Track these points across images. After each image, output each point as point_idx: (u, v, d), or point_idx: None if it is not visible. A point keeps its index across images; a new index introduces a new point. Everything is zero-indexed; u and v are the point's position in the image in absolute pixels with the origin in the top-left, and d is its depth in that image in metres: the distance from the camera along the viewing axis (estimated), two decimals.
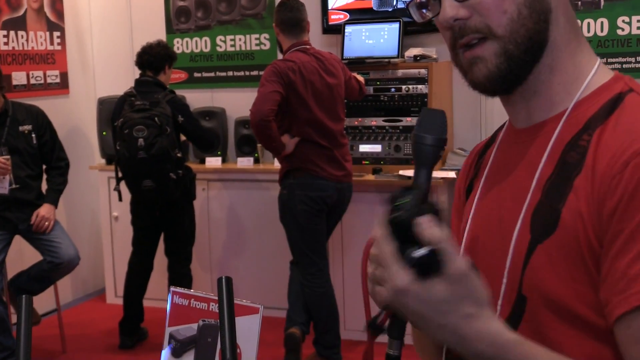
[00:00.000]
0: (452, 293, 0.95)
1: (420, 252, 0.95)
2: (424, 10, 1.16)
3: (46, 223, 4.64)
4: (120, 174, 4.76)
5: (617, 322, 0.98)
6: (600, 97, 1.10)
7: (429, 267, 0.96)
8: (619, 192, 0.98)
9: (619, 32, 4.81)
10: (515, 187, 1.14)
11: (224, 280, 1.31)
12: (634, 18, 4.76)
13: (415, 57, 4.99)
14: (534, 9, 1.08)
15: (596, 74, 1.12)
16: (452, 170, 4.85)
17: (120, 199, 4.90)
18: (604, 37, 4.82)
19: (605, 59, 4.81)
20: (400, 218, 0.98)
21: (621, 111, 1.06)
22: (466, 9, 1.09)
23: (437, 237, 0.94)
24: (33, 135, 4.68)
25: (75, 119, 6.06)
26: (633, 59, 4.79)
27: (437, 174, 4.62)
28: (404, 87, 4.98)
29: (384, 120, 5.05)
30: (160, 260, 5.04)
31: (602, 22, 4.83)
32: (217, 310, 1.28)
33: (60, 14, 5.94)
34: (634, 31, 4.77)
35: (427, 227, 0.94)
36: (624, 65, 4.79)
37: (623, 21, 4.79)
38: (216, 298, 1.35)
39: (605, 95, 1.09)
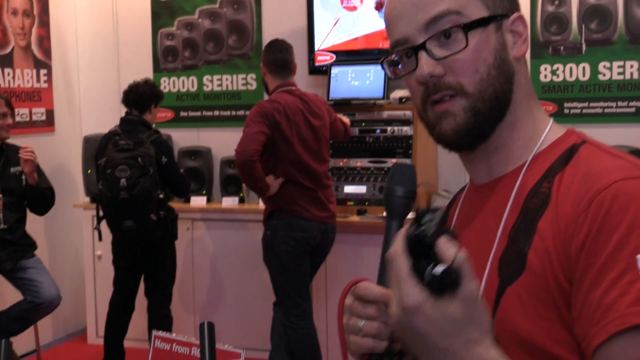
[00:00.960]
0: (463, 315, 0.95)
1: (440, 268, 0.96)
2: (397, 67, 1.22)
3: (32, 156, 4.57)
4: (101, 213, 4.75)
5: (596, 353, 1.00)
6: (557, 149, 1.17)
7: (446, 285, 0.96)
8: (585, 228, 1.03)
9: (600, 77, 4.87)
10: (482, 236, 1.19)
11: (206, 326, 1.31)
12: (615, 64, 4.83)
13: (400, 99, 5.03)
14: (502, 71, 1.17)
15: (551, 129, 1.21)
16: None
17: (100, 239, 4.88)
18: (586, 82, 4.89)
19: (587, 103, 4.87)
20: (425, 232, 0.98)
21: (577, 159, 1.13)
22: (442, 67, 1.16)
23: (458, 257, 0.95)
24: (23, 177, 4.68)
25: (61, 156, 6.06)
26: (614, 104, 4.85)
27: None
28: (389, 128, 5.02)
29: (369, 162, 5.07)
30: (142, 301, 5.01)
31: (584, 67, 4.90)
32: (199, 355, 1.28)
33: (47, 51, 5.96)
34: (615, 76, 4.84)
35: (450, 246, 0.95)
36: (605, 110, 4.85)
37: (604, 66, 4.86)
38: (198, 343, 1.35)
39: (561, 147, 1.17)
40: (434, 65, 1.15)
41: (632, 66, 4.79)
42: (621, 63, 4.82)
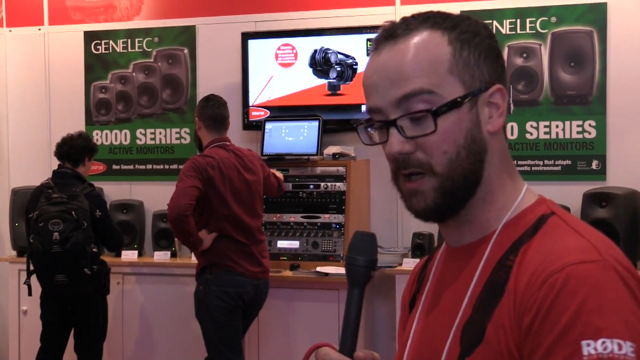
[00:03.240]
0: None
1: None
2: (369, 130, 1.22)
3: None
4: (32, 267, 4.64)
5: None
6: (526, 219, 1.18)
7: None
8: (535, 308, 1.06)
9: (528, 136, 5.02)
10: (450, 303, 1.21)
11: None
12: (541, 123, 4.98)
13: (334, 154, 5.08)
14: (471, 151, 1.17)
15: (522, 199, 1.21)
16: None
17: (30, 294, 4.76)
18: (514, 140, 5.02)
19: (515, 161, 4.96)
20: None
21: (544, 233, 1.14)
22: (411, 145, 1.16)
23: None
24: None
25: None
26: (541, 162, 4.99)
27: None
28: (322, 184, 5.06)
29: (302, 217, 5.09)
30: (69, 357, 4.89)
31: (512, 126, 5.04)
32: None
33: None
34: (541, 136, 4.99)
35: None
36: (533, 168, 4.99)
37: (531, 126, 5.01)
38: None
39: (530, 218, 1.18)
40: (404, 143, 1.16)
41: (557, 126, 4.95)
42: (547, 123, 4.97)
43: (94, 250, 4.60)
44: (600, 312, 1.02)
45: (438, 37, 1.17)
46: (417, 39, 1.17)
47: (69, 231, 4.46)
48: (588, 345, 1.00)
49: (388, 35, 1.19)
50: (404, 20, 1.20)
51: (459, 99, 1.15)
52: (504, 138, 1.22)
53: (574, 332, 1.01)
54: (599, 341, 1.00)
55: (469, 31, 1.19)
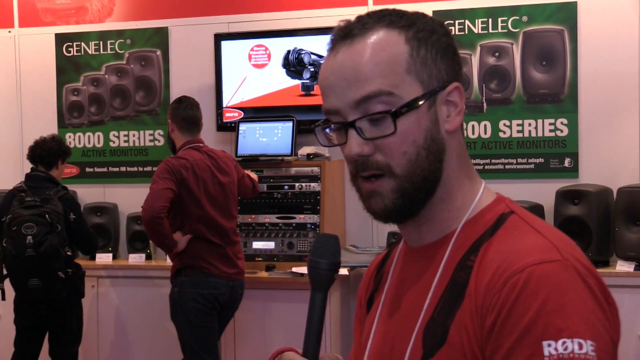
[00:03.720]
0: None
1: None
2: (327, 131, 1.21)
3: None
4: (5, 272, 4.60)
5: None
6: (485, 219, 1.18)
7: None
8: (496, 309, 1.06)
9: (501, 134, 5.05)
10: (411, 305, 1.20)
11: None
12: (514, 122, 5.02)
13: (308, 155, 5.09)
14: (431, 151, 1.16)
15: (481, 197, 1.21)
16: (345, 266, 4.90)
17: (3, 298, 4.71)
18: (487, 139, 5.06)
19: (489, 159, 5.03)
20: None
21: (504, 232, 1.14)
22: (370, 146, 1.15)
23: None
24: None
25: None
26: (514, 160, 5.02)
27: None
28: (297, 184, 5.06)
29: (277, 218, 5.09)
30: None
31: (485, 125, 5.07)
32: None
33: None
34: (514, 134, 5.02)
35: None
36: (506, 166, 5.02)
37: (504, 124, 5.04)
38: None
39: (489, 217, 1.18)
40: (363, 145, 1.15)
41: (530, 124, 4.99)
42: (520, 121, 5.01)
43: (68, 253, 4.58)
44: (561, 312, 1.02)
45: (395, 36, 1.16)
46: (374, 38, 1.15)
47: (42, 234, 4.43)
48: (549, 345, 1.01)
49: (344, 35, 1.17)
50: (360, 19, 1.18)
51: (417, 99, 1.14)
52: (462, 136, 1.22)
53: (535, 333, 1.02)
54: (560, 341, 1.01)
55: (425, 29, 1.17)
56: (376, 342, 1.26)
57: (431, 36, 1.17)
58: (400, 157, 1.14)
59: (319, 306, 1.19)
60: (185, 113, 4.48)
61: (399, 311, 1.23)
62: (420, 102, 1.15)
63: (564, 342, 1.01)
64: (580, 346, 1.01)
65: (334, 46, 1.18)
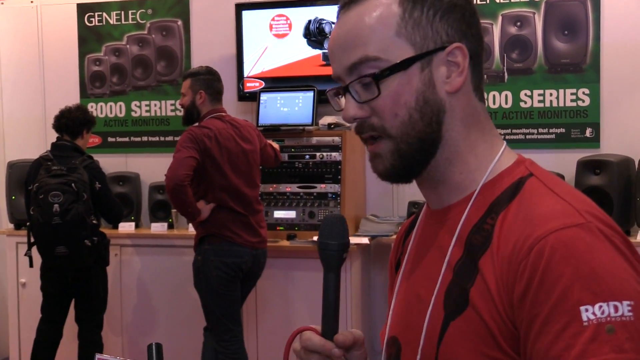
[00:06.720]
0: None
1: None
2: (339, 97, 1.24)
3: None
4: (32, 239, 4.67)
5: None
6: (503, 182, 1.18)
7: None
8: (525, 277, 1.06)
9: (522, 104, 5.04)
10: (430, 267, 1.21)
11: (154, 347, 1.34)
12: (535, 92, 5.01)
13: (329, 125, 5.10)
14: (425, 113, 1.17)
15: (500, 159, 1.20)
16: (365, 236, 4.94)
17: (31, 265, 4.79)
18: (509, 109, 5.05)
19: (510, 129, 5.03)
20: None
21: (522, 196, 1.14)
22: (365, 109, 1.18)
23: None
24: None
25: None
26: (535, 130, 5.02)
27: (351, 239, 4.70)
28: (318, 154, 5.08)
29: (298, 187, 5.12)
30: (69, 327, 4.93)
31: (506, 95, 5.06)
32: None
33: None
34: (535, 104, 5.01)
35: None
36: (527, 136, 5.02)
37: (525, 94, 5.04)
38: None
39: (507, 180, 1.18)
40: (357, 108, 1.18)
41: (551, 94, 4.98)
42: (541, 91, 5.00)
43: (94, 222, 4.63)
44: (594, 276, 1.03)
45: (389, 0, 1.17)
46: (368, 4, 1.18)
47: (69, 203, 4.48)
48: (587, 310, 1.01)
49: (345, 3, 1.21)
50: None
51: (405, 62, 1.15)
52: (473, 98, 1.21)
53: (571, 299, 1.02)
54: (597, 305, 1.01)
55: None
56: (399, 303, 1.29)
57: None
58: (393, 118, 1.16)
59: (333, 285, 1.23)
60: (217, 85, 4.53)
61: (418, 272, 1.25)
62: (408, 64, 1.15)
63: (600, 306, 1.01)
64: (616, 309, 1.02)
65: (338, 14, 1.22)
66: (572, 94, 4.94)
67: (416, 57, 1.16)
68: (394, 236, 4.88)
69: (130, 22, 5.87)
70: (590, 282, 1.02)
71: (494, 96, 5.06)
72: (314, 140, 5.11)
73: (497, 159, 1.20)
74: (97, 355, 1.52)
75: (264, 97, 5.29)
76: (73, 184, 4.52)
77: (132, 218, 5.60)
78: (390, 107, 1.16)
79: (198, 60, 5.58)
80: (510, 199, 1.14)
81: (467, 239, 1.16)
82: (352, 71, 1.18)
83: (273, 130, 5.14)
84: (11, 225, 5.74)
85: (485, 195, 1.18)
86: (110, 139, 5.96)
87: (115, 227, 5.51)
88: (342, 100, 1.22)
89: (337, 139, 5.05)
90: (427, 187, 1.24)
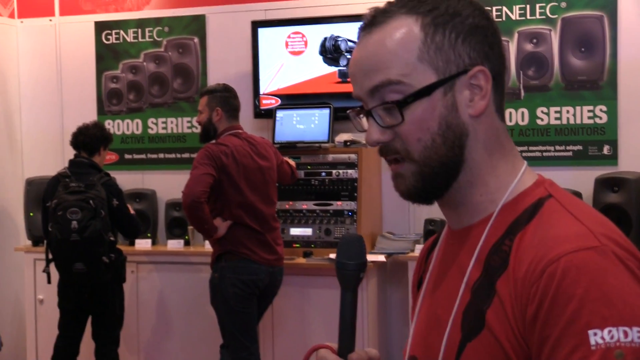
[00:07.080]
0: None
1: None
2: (360, 117, 1.24)
3: None
4: (50, 256, 4.69)
5: None
6: (522, 203, 1.17)
7: None
8: (537, 299, 1.06)
9: (539, 121, 5.03)
10: (450, 287, 1.21)
11: None
12: (552, 109, 5.00)
13: (345, 142, 5.11)
14: (447, 137, 1.17)
15: (520, 179, 1.20)
16: (381, 253, 4.93)
17: (49, 281, 4.81)
18: (525, 126, 5.04)
19: (527, 147, 5.02)
20: None
21: (540, 218, 1.14)
22: (389, 133, 1.18)
23: None
24: None
25: (2, 199, 5.96)
26: (552, 148, 5.01)
27: (368, 257, 4.69)
28: (334, 171, 5.09)
29: (314, 204, 5.13)
30: (86, 344, 4.94)
31: (522, 112, 5.05)
32: None
33: None
34: (552, 121, 5.00)
35: None
36: (544, 154, 5.01)
37: (542, 112, 5.03)
38: None
39: (527, 201, 1.17)
40: (381, 133, 1.19)
41: (568, 111, 4.97)
42: (558, 108, 4.99)
43: (112, 239, 4.65)
44: (605, 300, 1.02)
45: (411, 23, 1.17)
46: (390, 27, 1.17)
47: (87, 220, 4.50)
48: (595, 334, 1.00)
49: (366, 24, 1.21)
50: (385, 5, 1.22)
51: (428, 88, 1.15)
52: (495, 119, 1.20)
53: (580, 322, 1.01)
54: (606, 330, 1.01)
55: (447, 13, 1.17)
56: (419, 322, 1.29)
57: (452, 20, 1.17)
58: (416, 143, 1.16)
59: (349, 304, 1.23)
60: (235, 102, 4.56)
61: (439, 292, 1.25)
62: (430, 91, 1.15)
63: (609, 331, 1.00)
64: (626, 334, 1.01)
65: (358, 36, 1.23)
66: (589, 111, 4.93)
67: (439, 82, 1.16)
68: (411, 254, 4.90)
69: (147, 39, 5.91)
70: (600, 305, 1.02)
71: (510, 113, 5.05)
72: (330, 157, 5.11)
73: (517, 179, 1.19)
74: None
75: (280, 114, 5.31)
76: (91, 201, 4.55)
77: (149, 235, 5.62)
78: (414, 133, 1.16)
79: (214, 77, 5.61)
80: (528, 221, 1.14)
81: (485, 260, 1.15)
82: (374, 94, 1.18)
83: (289, 148, 5.15)
84: (29, 242, 5.77)
85: (504, 215, 1.17)
86: (127, 156, 5.99)
87: (132, 244, 5.53)
88: (364, 120, 1.22)
89: (353, 156, 5.06)
90: (448, 208, 1.24)
